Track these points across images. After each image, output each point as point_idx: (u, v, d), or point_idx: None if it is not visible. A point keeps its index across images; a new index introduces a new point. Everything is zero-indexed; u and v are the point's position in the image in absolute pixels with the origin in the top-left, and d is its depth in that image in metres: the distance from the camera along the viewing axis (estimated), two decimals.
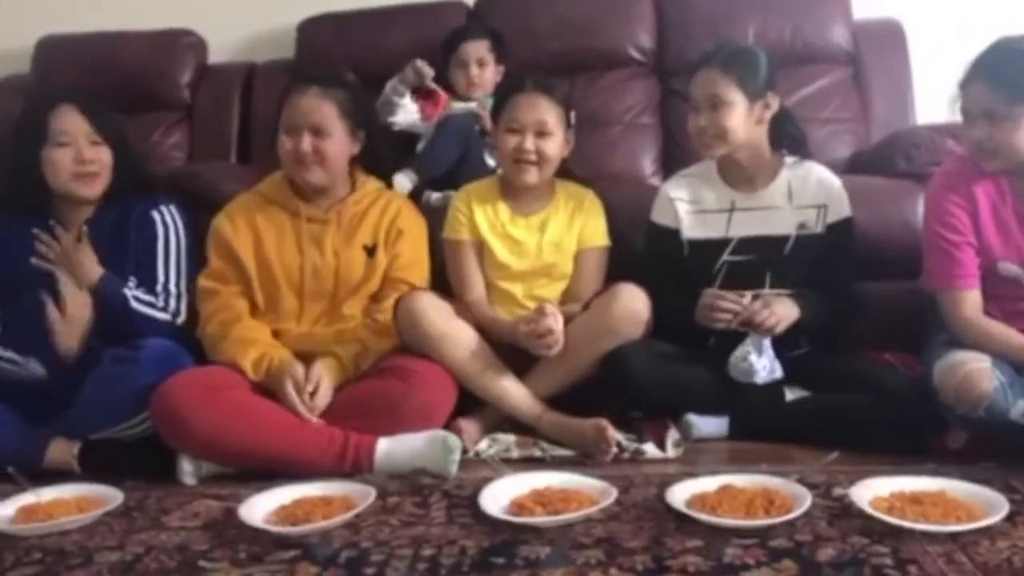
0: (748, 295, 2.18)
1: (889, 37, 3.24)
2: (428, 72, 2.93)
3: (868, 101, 3.17)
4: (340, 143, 2.33)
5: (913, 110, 3.15)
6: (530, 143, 2.30)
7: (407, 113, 2.97)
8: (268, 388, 2.17)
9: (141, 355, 2.18)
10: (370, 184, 2.44)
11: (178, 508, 1.95)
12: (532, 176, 2.33)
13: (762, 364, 2.14)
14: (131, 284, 2.31)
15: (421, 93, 3.01)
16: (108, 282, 2.28)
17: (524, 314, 2.26)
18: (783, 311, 2.16)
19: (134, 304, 2.28)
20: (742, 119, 2.22)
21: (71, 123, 2.33)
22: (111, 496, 1.94)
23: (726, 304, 2.16)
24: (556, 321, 2.16)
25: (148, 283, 2.34)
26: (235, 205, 2.40)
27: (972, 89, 1.99)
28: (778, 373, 2.16)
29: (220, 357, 2.23)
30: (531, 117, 2.30)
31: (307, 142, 2.28)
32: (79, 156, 2.32)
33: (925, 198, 2.20)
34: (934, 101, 3.04)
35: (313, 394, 2.12)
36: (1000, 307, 2.05)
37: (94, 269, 2.29)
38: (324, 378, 2.15)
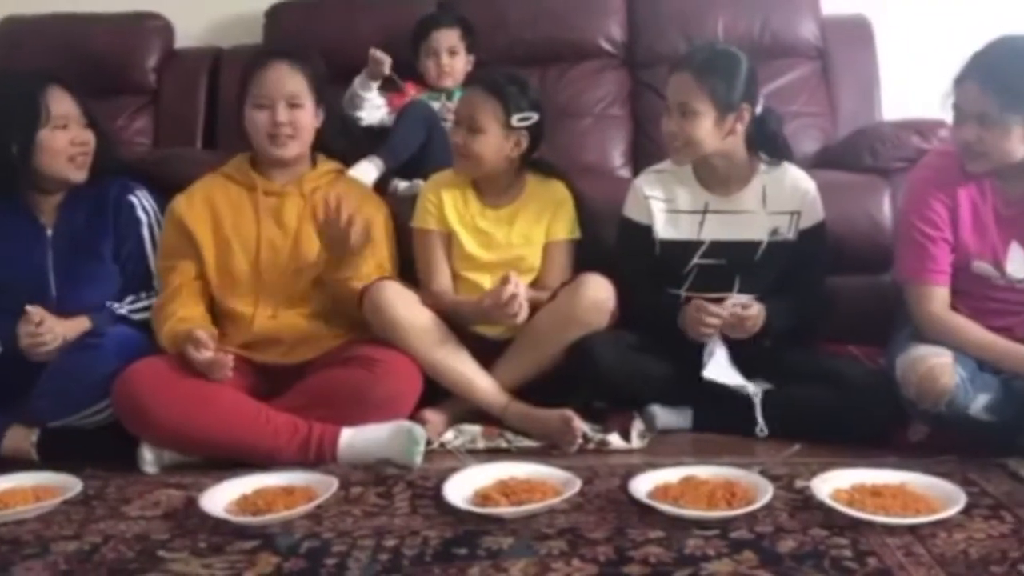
0: (728, 303, 2.18)
1: (857, 33, 3.26)
2: (384, 58, 2.88)
3: (835, 96, 3.19)
4: (311, 115, 2.34)
5: (879, 106, 3.18)
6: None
7: (374, 108, 2.92)
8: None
9: (103, 342, 2.16)
10: (330, 163, 2.43)
11: (138, 497, 1.92)
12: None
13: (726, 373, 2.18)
14: (116, 305, 2.29)
15: (389, 88, 2.98)
16: (98, 321, 2.24)
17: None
18: (754, 312, 2.17)
19: (134, 317, 2.29)
20: (709, 131, 2.18)
21: (67, 105, 2.32)
22: (70, 485, 1.91)
23: (711, 320, 2.16)
24: (518, 287, 2.15)
25: (141, 273, 2.35)
26: (195, 186, 2.39)
27: (965, 88, 1.96)
28: (738, 380, 2.19)
29: (158, 336, 2.21)
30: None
31: (283, 113, 2.28)
32: (75, 138, 2.32)
33: (906, 188, 2.20)
34: (900, 97, 3.10)
35: None
36: (969, 304, 2.07)
37: (79, 325, 2.22)
38: None
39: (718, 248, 2.28)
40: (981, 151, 1.97)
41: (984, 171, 2.01)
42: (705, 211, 2.30)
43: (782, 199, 2.27)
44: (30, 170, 2.30)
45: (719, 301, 2.21)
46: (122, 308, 2.29)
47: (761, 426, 2.14)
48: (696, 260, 2.29)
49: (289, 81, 2.30)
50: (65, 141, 2.30)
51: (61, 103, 2.31)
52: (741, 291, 2.26)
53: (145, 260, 2.36)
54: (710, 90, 2.16)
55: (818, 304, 2.30)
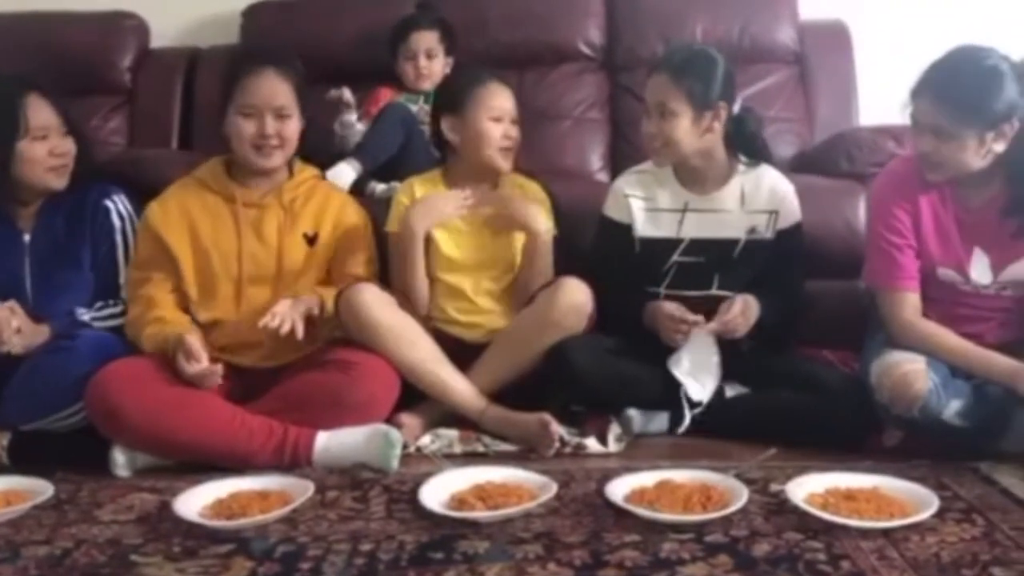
0: (701, 318, 2.19)
1: (834, 38, 3.29)
2: (339, 94, 2.88)
3: (813, 101, 3.21)
4: (297, 125, 2.31)
5: (856, 111, 3.20)
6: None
7: (359, 132, 2.89)
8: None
9: (76, 343, 2.14)
10: (308, 170, 2.41)
11: (111, 501, 1.90)
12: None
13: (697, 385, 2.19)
14: (82, 311, 2.26)
15: (364, 94, 2.96)
16: (60, 329, 2.21)
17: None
18: (747, 303, 2.18)
19: (97, 324, 2.25)
20: (687, 131, 2.20)
21: (46, 115, 2.28)
22: (41, 489, 1.89)
23: (680, 326, 2.18)
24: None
25: (110, 280, 2.32)
26: (168, 193, 2.35)
27: (921, 102, 1.98)
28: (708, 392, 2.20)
29: (139, 343, 2.19)
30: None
31: (271, 125, 2.25)
32: (55, 148, 2.29)
33: (871, 197, 2.23)
34: (877, 103, 3.12)
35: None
36: (939, 310, 2.08)
37: (40, 333, 2.19)
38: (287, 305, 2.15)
39: (697, 246, 2.29)
40: (938, 161, 1.99)
41: (943, 179, 2.03)
42: (685, 210, 2.31)
43: (760, 199, 2.29)
44: (9, 180, 2.27)
45: (700, 305, 2.22)
46: (86, 315, 2.26)
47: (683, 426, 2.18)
48: (675, 258, 2.30)
49: (279, 92, 2.26)
50: (44, 152, 2.27)
51: (40, 113, 2.27)
52: (719, 288, 2.28)
53: (116, 267, 2.33)
54: (687, 90, 2.18)
55: (796, 306, 2.32)
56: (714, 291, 2.28)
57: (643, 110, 2.28)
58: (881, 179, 2.19)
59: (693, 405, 2.20)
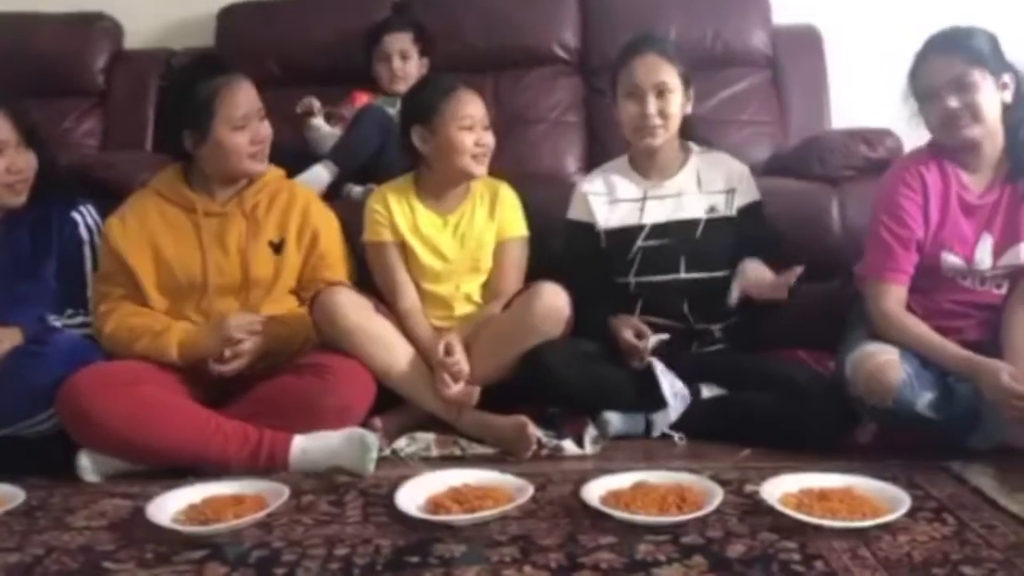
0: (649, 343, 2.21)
1: (807, 43, 3.32)
2: (308, 103, 2.89)
3: (786, 105, 3.24)
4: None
5: (828, 114, 3.23)
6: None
7: (331, 137, 2.88)
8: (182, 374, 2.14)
9: (48, 349, 2.12)
10: (271, 171, 2.35)
11: (84, 507, 1.89)
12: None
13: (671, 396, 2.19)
14: (53, 318, 2.24)
15: (336, 102, 2.96)
16: (33, 331, 2.19)
17: (447, 330, 2.28)
18: (760, 269, 2.21)
19: (69, 333, 2.23)
20: (680, 106, 2.31)
21: (2, 132, 2.23)
22: (12, 495, 1.87)
23: (638, 355, 2.20)
24: (465, 363, 2.19)
25: (77, 291, 2.29)
26: (127, 206, 2.31)
27: (932, 63, 2.06)
28: (684, 403, 2.20)
29: (133, 352, 2.17)
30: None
31: (263, 129, 2.26)
32: (11, 166, 2.25)
33: (878, 187, 2.25)
34: (849, 106, 3.16)
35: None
36: (924, 304, 2.12)
37: (11, 337, 2.17)
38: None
39: (659, 229, 2.33)
40: (968, 114, 2.04)
41: (974, 137, 2.06)
42: (644, 198, 2.37)
43: (716, 179, 2.37)
44: None
45: (671, 291, 2.27)
46: (59, 321, 2.24)
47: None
48: (640, 243, 2.33)
49: (255, 95, 2.26)
50: (1, 169, 2.23)
51: None
52: (687, 271, 2.31)
53: (85, 277, 2.31)
54: (679, 67, 2.30)
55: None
56: (682, 275, 2.31)
57: (629, 96, 2.29)
58: (889, 173, 2.22)
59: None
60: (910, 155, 2.24)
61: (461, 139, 2.31)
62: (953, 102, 2.03)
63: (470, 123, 2.32)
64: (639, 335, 2.22)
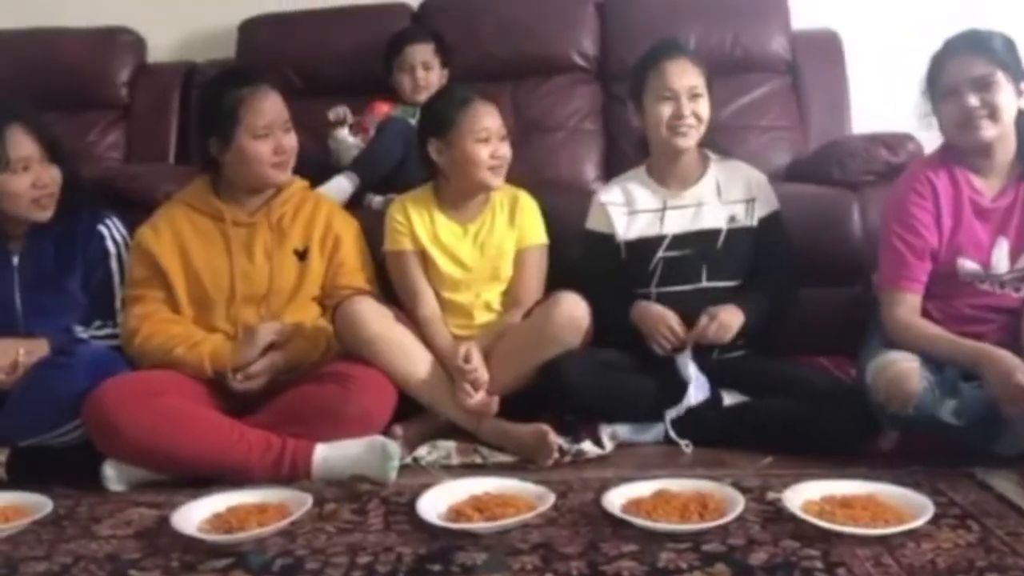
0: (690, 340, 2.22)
1: (826, 47, 3.30)
2: (342, 111, 2.92)
3: (805, 110, 3.22)
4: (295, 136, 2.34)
5: (849, 119, 3.21)
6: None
7: (354, 148, 2.90)
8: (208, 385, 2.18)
9: (74, 361, 2.14)
10: (295, 182, 2.40)
11: (110, 516, 1.91)
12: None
13: (691, 389, 2.19)
14: (80, 330, 2.27)
15: (357, 113, 2.99)
16: (60, 343, 2.22)
17: (466, 339, 2.29)
18: (728, 319, 2.20)
19: (95, 342, 2.26)
20: (709, 109, 2.32)
21: (26, 147, 2.24)
22: (40, 504, 1.89)
23: (667, 332, 2.21)
24: (484, 371, 2.21)
25: (104, 303, 2.32)
26: (158, 216, 2.36)
27: (955, 61, 2.06)
28: (704, 394, 2.20)
29: (167, 358, 2.19)
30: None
31: (285, 139, 2.29)
32: (37, 180, 2.26)
33: (888, 196, 2.24)
34: (869, 111, 3.14)
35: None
36: (943, 309, 2.11)
37: (40, 348, 2.20)
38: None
39: (680, 240, 2.33)
40: (986, 114, 2.04)
41: (991, 137, 2.06)
42: (664, 208, 2.37)
43: (736, 189, 2.36)
44: None
45: (692, 300, 2.25)
46: (86, 333, 2.27)
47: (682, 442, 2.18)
48: (660, 254, 2.33)
49: (282, 108, 2.30)
50: (26, 184, 2.24)
51: (21, 145, 2.24)
52: (709, 280, 2.30)
53: (112, 291, 2.33)
54: (705, 71, 2.33)
55: (789, 297, 2.34)
56: (704, 284, 2.31)
57: (661, 99, 2.29)
58: (899, 182, 2.21)
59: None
60: (919, 162, 2.24)
61: (477, 152, 2.32)
62: (973, 100, 2.03)
63: (486, 135, 2.32)
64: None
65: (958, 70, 2.06)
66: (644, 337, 2.26)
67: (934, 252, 2.10)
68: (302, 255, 2.32)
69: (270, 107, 2.27)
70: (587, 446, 2.13)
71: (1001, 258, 2.09)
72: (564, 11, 3.31)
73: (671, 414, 2.19)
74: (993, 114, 2.04)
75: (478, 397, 2.18)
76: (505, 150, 2.36)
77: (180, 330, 2.24)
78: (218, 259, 2.29)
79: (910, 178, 2.16)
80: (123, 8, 3.45)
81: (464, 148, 2.32)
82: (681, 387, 2.19)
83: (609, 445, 2.14)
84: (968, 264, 2.10)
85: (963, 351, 1.98)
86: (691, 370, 2.20)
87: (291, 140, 2.31)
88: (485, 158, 2.32)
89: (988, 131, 2.05)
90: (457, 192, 2.41)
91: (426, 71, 2.99)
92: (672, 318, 2.24)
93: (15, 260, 2.30)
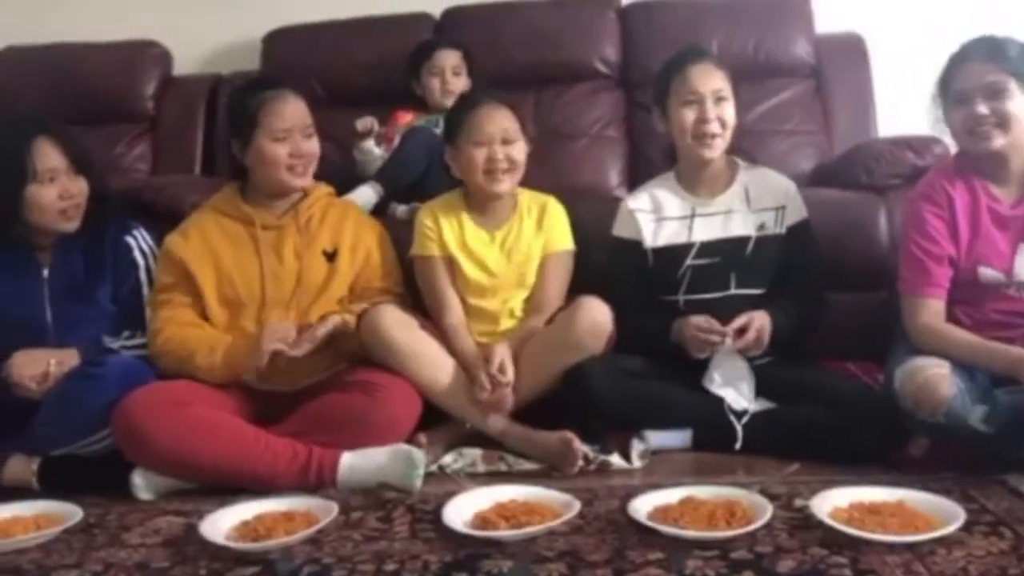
0: (729, 331, 2.19)
1: (851, 51, 3.29)
2: (370, 122, 2.94)
3: (830, 114, 3.21)
4: (317, 143, 2.36)
5: (874, 123, 3.20)
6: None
7: (379, 158, 2.93)
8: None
9: (103, 371, 2.16)
10: (320, 188, 2.43)
11: (139, 525, 1.92)
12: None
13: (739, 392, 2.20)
14: (109, 340, 2.29)
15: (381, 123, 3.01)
16: (90, 353, 2.23)
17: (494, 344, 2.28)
18: (761, 324, 2.19)
19: (125, 353, 2.28)
20: (734, 115, 2.31)
21: (53, 159, 2.26)
22: (71, 513, 1.91)
23: (710, 336, 2.18)
24: (511, 371, 2.20)
25: (134, 314, 2.34)
26: (187, 223, 2.39)
27: (967, 67, 2.04)
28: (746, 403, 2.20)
29: (188, 364, 2.21)
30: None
31: (304, 144, 2.31)
32: (64, 192, 2.27)
33: (905, 205, 2.23)
34: (894, 114, 3.12)
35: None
36: (971, 315, 2.08)
37: (70, 357, 2.22)
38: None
39: (709, 248, 2.31)
40: (996, 122, 2.01)
41: (1001, 146, 2.03)
42: (692, 215, 2.35)
43: (765, 196, 2.34)
44: (20, 225, 2.28)
45: (721, 307, 2.24)
46: (115, 343, 2.29)
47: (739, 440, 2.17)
48: (689, 262, 2.32)
49: (304, 113, 2.33)
50: (53, 195, 2.26)
51: (48, 157, 2.25)
52: (738, 288, 2.29)
53: (141, 300, 2.35)
54: (729, 76, 2.32)
55: (817, 306, 2.32)
56: (733, 291, 2.29)
57: (686, 104, 2.28)
58: (916, 188, 2.20)
59: (739, 416, 2.18)
60: (935, 170, 2.21)
61: (473, 156, 2.32)
62: (982, 108, 2.01)
63: (482, 139, 2.32)
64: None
65: (970, 76, 2.03)
66: (686, 344, 2.23)
67: (952, 260, 2.08)
68: (331, 256, 2.34)
69: (291, 111, 2.30)
70: (614, 458, 2.12)
71: (1022, 266, 2.06)
72: (586, 18, 3.32)
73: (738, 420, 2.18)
74: (1003, 123, 2.01)
75: (498, 393, 2.17)
76: (506, 153, 2.32)
77: (197, 334, 2.25)
78: (248, 262, 2.31)
79: (925, 186, 2.14)
80: (149, 22, 3.50)
81: (465, 152, 2.34)
82: (713, 398, 2.18)
83: (638, 462, 2.13)
84: (989, 272, 2.07)
85: (999, 356, 1.95)
86: (737, 363, 2.19)
87: (311, 145, 2.33)
88: (479, 162, 2.32)
89: (996, 140, 2.02)
90: (477, 197, 2.41)
91: (455, 76, 3.02)
92: (705, 320, 2.21)
93: (45, 272, 2.32)
